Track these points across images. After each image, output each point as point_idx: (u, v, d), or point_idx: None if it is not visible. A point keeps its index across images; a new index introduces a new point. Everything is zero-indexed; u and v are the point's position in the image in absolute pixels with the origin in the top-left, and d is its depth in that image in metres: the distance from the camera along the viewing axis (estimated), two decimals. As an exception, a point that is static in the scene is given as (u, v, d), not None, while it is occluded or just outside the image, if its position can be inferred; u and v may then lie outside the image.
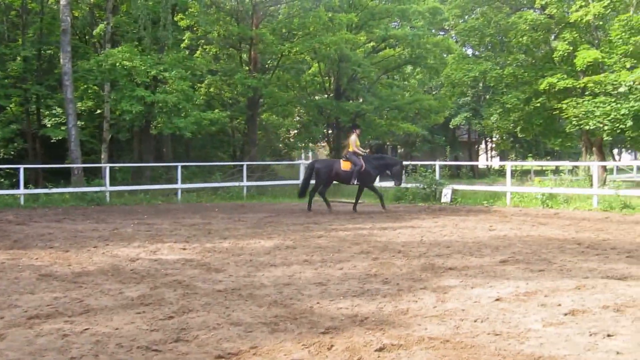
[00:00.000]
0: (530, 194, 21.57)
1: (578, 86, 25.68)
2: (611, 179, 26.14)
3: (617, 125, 23.63)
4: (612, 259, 10.38)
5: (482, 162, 63.28)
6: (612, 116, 23.54)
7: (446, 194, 22.25)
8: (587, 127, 24.84)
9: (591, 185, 21.05)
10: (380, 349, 5.56)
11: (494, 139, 57.01)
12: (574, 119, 24.96)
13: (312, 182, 20.86)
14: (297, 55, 33.22)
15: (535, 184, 22.71)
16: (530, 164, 32.71)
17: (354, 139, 19.84)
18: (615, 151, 47.01)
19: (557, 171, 29.27)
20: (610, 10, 25.25)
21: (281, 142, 44.05)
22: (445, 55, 37.41)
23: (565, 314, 6.76)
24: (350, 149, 19.79)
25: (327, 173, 19.87)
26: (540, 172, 31.46)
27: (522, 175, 29.66)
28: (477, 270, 9.29)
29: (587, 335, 6.02)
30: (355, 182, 19.67)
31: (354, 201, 20.43)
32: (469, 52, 37.19)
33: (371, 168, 19.59)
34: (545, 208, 20.23)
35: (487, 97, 39.54)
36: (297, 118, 42.28)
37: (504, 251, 11.17)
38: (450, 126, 53.59)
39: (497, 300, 7.42)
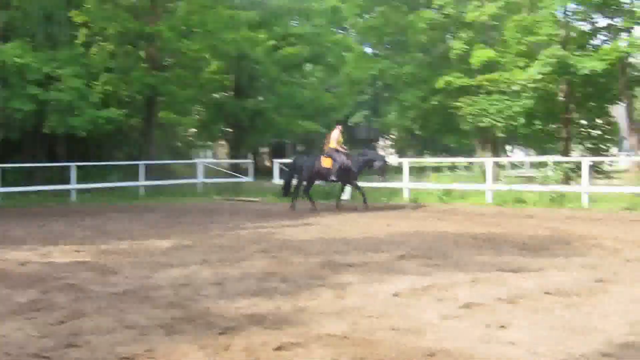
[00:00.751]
0: (427, 190, 21.99)
1: (474, 84, 26.32)
2: (505, 174, 26.95)
3: (510, 122, 24.35)
4: (505, 252, 10.68)
5: (381, 160, 64.04)
6: (505, 114, 24.23)
7: (346, 191, 22.38)
8: (482, 125, 25.49)
9: (485, 180, 21.63)
10: (278, 348, 5.52)
11: (392, 137, 57.94)
12: (470, 116, 25.56)
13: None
14: (197, 52, 32.77)
15: (432, 180, 23.16)
16: (428, 160, 33.34)
17: (335, 135, 19.36)
18: (509, 148, 48.50)
19: (453, 167, 29.92)
20: (504, 11, 25.91)
21: (179, 141, 43.43)
22: (344, 54, 37.72)
23: (462, 307, 6.89)
24: (332, 146, 19.25)
25: (309, 170, 19.29)
26: (437, 169, 32.08)
27: (419, 171, 30.21)
28: (375, 266, 9.36)
29: (483, 328, 6.15)
30: (333, 179, 19.15)
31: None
32: (369, 50, 37.62)
33: (352, 164, 19.06)
34: (442, 204, 20.65)
35: (386, 95, 40.13)
36: (196, 116, 41.77)
37: (401, 247, 11.30)
38: (349, 124, 54.07)
39: (395, 295, 7.49)
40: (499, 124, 24.63)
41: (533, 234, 13.15)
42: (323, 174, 19.24)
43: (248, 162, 33.63)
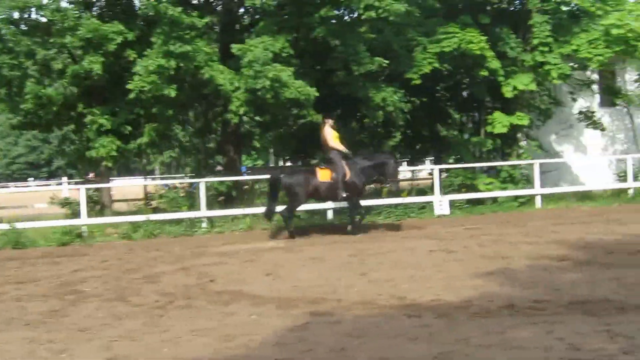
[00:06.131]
0: None
1: None
2: None
3: None
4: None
5: None
6: None
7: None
8: None
9: None
10: None
11: None
12: None
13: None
14: None
15: None
16: None
17: (329, 132, 14.39)
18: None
19: None
20: None
21: None
22: None
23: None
24: (332, 145, 14.34)
25: (304, 188, 14.16)
26: None
27: None
28: None
29: None
30: (344, 195, 14.23)
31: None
32: None
33: (356, 174, 14.28)
34: None
35: None
36: None
37: None
38: None
39: None
40: None
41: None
42: (323, 192, 14.37)
43: None
